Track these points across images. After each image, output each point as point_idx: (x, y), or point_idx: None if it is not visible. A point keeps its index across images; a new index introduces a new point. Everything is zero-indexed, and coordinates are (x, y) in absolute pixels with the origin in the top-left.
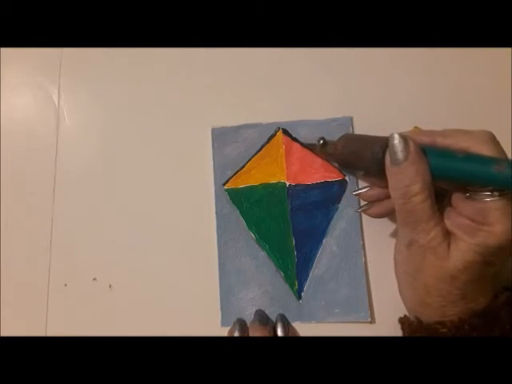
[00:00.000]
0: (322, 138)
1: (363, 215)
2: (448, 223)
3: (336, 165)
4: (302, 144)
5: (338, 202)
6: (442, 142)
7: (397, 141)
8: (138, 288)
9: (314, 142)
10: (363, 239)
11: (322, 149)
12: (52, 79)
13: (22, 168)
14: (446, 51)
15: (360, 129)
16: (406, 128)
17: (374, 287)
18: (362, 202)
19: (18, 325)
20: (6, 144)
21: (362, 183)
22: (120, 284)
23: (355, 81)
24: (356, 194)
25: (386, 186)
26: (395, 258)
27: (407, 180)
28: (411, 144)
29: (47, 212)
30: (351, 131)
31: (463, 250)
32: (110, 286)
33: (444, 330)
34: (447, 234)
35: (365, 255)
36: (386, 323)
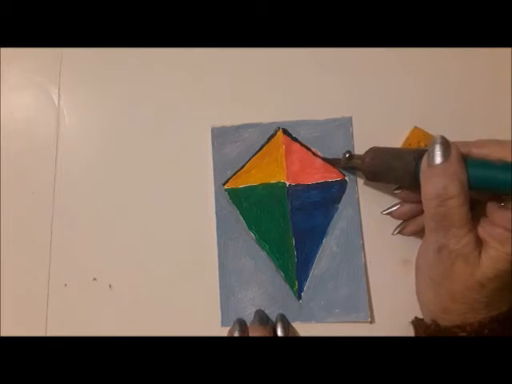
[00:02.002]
0: (348, 152)
1: (363, 215)
2: (480, 231)
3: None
4: (301, 144)
5: (338, 202)
6: (477, 152)
7: (440, 141)
8: (137, 288)
9: (335, 154)
10: (363, 239)
11: (347, 162)
12: (52, 79)
13: (22, 168)
14: (446, 51)
15: (360, 129)
16: (406, 128)
17: (373, 287)
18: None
19: (18, 325)
20: (6, 144)
21: (388, 201)
22: (120, 284)
23: (355, 81)
24: (387, 213)
25: (418, 201)
26: (418, 263)
27: (446, 180)
28: (453, 146)
29: (47, 212)
30: (351, 131)
31: (495, 258)
32: (109, 286)
33: (463, 334)
34: (479, 242)
35: (365, 255)
36: (386, 323)
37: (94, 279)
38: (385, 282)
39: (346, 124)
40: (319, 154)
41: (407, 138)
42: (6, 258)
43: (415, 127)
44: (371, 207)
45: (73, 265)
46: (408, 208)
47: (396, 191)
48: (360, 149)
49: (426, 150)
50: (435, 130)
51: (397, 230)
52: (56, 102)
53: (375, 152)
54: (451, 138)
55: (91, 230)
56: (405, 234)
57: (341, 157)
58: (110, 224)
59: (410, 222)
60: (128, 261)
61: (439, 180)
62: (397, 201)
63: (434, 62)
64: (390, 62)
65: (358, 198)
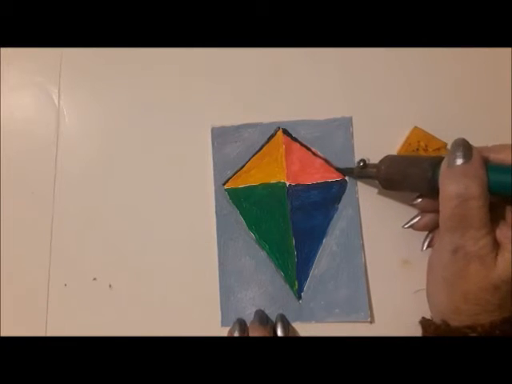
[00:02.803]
0: (363, 160)
1: (362, 215)
2: (498, 233)
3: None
4: (301, 144)
5: (338, 202)
6: (495, 157)
7: (462, 143)
8: (137, 288)
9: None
10: (363, 239)
11: (361, 171)
12: (52, 79)
13: (22, 168)
14: (446, 51)
15: (360, 129)
16: (406, 128)
17: (373, 287)
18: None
19: (18, 325)
20: (7, 144)
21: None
22: (120, 284)
23: (355, 81)
24: (408, 227)
25: (437, 210)
26: (431, 263)
27: (467, 181)
28: (475, 149)
29: (47, 212)
30: (351, 131)
31: (511, 261)
32: (109, 285)
33: (473, 335)
34: (496, 244)
35: (365, 255)
36: (386, 323)
37: (94, 279)
38: (385, 282)
39: (346, 124)
40: (333, 164)
41: (407, 138)
42: (6, 258)
43: (415, 127)
44: (371, 207)
45: (73, 265)
46: (429, 218)
47: (415, 201)
48: (360, 149)
49: (442, 157)
50: (435, 130)
51: (408, 224)
52: (56, 101)
53: (390, 160)
54: (451, 138)
55: (91, 230)
56: (416, 229)
57: (354, 165)
58: (109, 224)
59: (422, 217)
60: (128, 261)
61: (460, 180)
62: (415, 212)
63: (434, 61)
64: (390, 62)
65: (358, 197)
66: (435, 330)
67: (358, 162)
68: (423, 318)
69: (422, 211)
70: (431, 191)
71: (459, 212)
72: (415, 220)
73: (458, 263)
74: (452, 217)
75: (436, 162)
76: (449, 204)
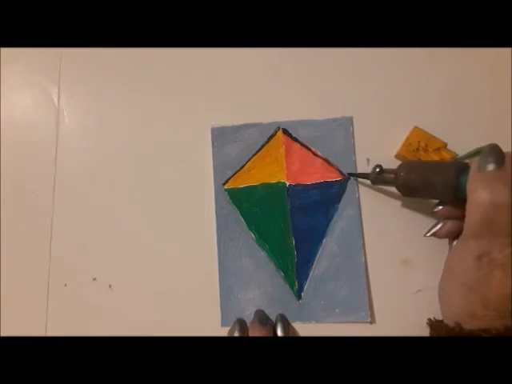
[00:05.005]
0: (379, 166)
1: (363, 215)
2: None
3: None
4: (301, 144)
5: (338, 202)
6: None
7: (494, 148)
8: (137, 288)
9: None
10: (363, 239)
11: (377, 177)
12: (52, 79)
13: (21, 167)
14: (445, 51)
15: (360, 129)
16: (406, 128)
17: (373, 287)
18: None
19: (18, 325)
20: (6, 144)
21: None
22: (120, 284)
23: (355, 81)
24: (431, 235)
25: (459, 216)
26: (451, 266)
27: (499, 187)
28: (507, 155)
29: (47, 212)
30: (351, 131)
31: None
32: (109, 286)
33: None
34: None
35: (365, 255)
36: (386, 323)
37: (94, 279)
38: (385, 282)
39: (346, 124)
40: (343, 171)
41: (407, 138)
42: (6, 258)
43: (415, 127)
44: (371, 207)
45: (73, 265)
46: (452, 225)
47: (436, 209)
48: (360, 149)
49: (466, 163)
50: (435, 130)
51: (430, 232)
52: (56, 102)
53: (410, 166)
54: (451, 138)
55: (91, 230)
56: (439, 237)
57: (370, 171)
58: (109, 224)
59: (444, 224)
60: (128, 261)
61: (493, 185)
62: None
63: (434, 62)
64: (390, 61)
65: (358, 197)
66: (448, 332)
67: (374, 168)
68: (433, 319)
69: (444, 218)
70: (455, 198)
71: (488, 218)
72: (437, 227)
73: (481, 269)
74: (479, 222)
75: (461, 168)
76: (478, 209)
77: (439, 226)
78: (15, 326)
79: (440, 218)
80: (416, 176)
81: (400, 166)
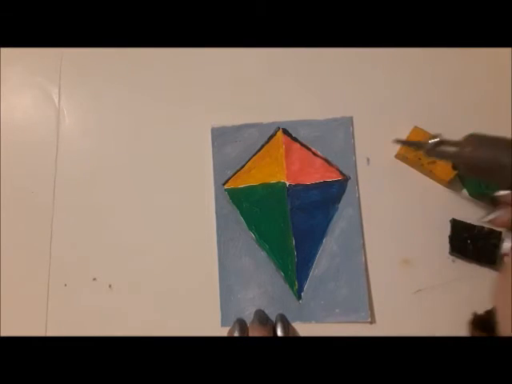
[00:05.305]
0: (439, 135)
1: (363, 215)
2: None
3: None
4: (301, 144)
5: (338, 202)
6: None
7: None
8: (137, 288)
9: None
10: (363, 239)
11: (434, 148)
12: (52, 79)
13: (22, 168)
14: (446, 51)
15: (360, 129)
16: (406, 128)
17: (373, 287)
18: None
19: (18, 325)
20: (7, 144)
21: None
22: (120, 284)
23: (355, 81)
24: (488, 221)
25: None
26: None
27: None
28: None
29: (47, 212)
30: (351, 131)
31: None
32: (109, 286)
33: None
34: None
35: (365, 255)
36: (386, 323)
37: (94, 279)
38: (385, 281)
39: (346, 124)
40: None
41: (407, 138)
42: (6, 258)
43: (415, 127)
44: (371, 207)
45: (73, 265)
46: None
47: (501, 193)
48: (360, 148)
49: None
50: (435, 130)
51: (487, 218)
52: (56, 102)
53: (479, 141)
54: (451, 138)
55: (91, 230)
56: (497, 225)
57: (427, 141)
58: (109, 224)
59: (503, 213)
60: (128, 261)
61: None
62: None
63: (434, 61)
64: (390, 61)
65: (359, 197)
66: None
67: (432, 138)
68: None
69: (507, 205)
70: None
71: None
72: (497, 214)
73: None
74: None
75: None
76: None
77: (498, 214)
78: (15, 326)
79: (502, 205)
80: (485, 154)
81: (466, 138)
